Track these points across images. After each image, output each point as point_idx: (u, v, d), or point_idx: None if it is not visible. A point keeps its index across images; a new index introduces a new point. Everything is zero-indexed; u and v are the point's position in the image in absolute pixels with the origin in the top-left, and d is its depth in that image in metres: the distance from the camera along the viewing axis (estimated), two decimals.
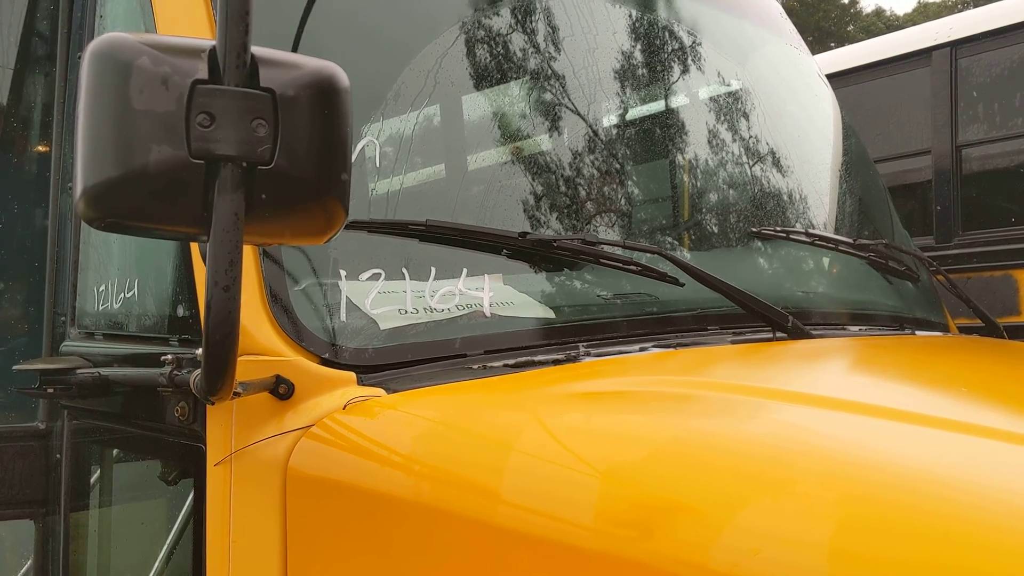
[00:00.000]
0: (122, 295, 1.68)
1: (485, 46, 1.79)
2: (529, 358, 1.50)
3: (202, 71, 0.93)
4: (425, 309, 1.50)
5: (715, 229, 2.01)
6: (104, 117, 0.93)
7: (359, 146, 1.57)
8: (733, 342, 1.69)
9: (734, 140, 2.15)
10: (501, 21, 1.83)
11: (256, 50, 0.93)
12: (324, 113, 0.97)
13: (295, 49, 1.51)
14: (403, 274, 1.51)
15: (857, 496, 0.94)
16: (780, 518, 0.94)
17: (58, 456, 1.78)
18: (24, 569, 2.02)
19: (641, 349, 1.59)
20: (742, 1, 2.46)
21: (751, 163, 2.11)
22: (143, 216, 0.95)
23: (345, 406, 1.34)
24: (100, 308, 1.74)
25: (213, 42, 0.93)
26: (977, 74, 5.27)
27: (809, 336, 1.74)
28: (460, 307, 1.52)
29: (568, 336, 1.59)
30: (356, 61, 1.63)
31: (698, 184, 2.00)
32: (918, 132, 5.52)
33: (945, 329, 2.37)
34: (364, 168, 1.58)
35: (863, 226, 2.37)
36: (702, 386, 1.38)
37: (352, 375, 1.39)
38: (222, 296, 0.93)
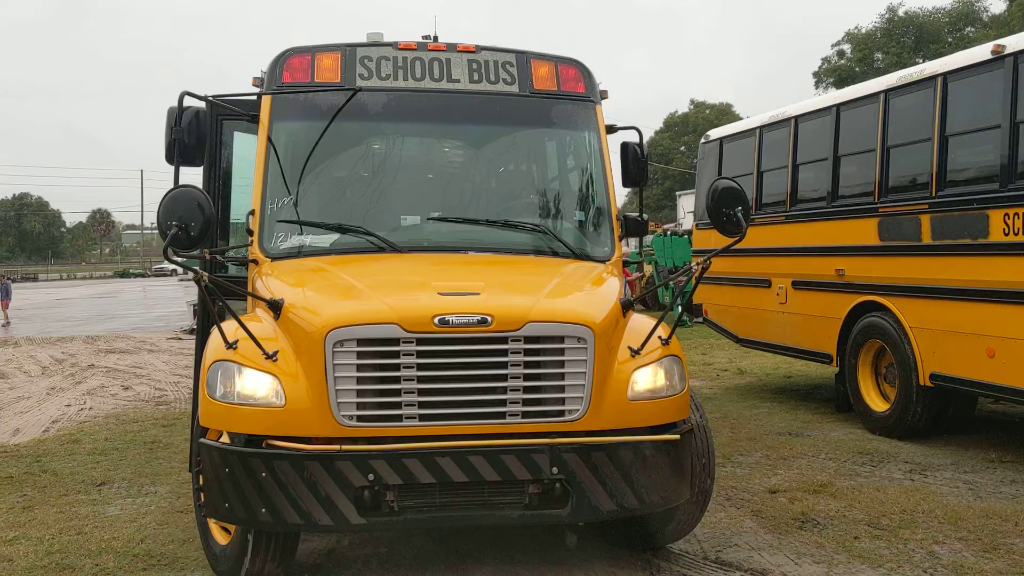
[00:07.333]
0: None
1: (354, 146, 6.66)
2: (315, 257, 6.01)
3: None
4: (297, 244, 6.13)
5: (404, 214, 6.43)
6: None
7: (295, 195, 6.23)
8: (373, 254, 6.07)
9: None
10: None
11: None
12: None
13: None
14: (291, 234, 6.18)
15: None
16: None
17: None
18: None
19: (340, 254, 6.07)
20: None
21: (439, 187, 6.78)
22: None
23: (258, 263, 6.01)
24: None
25: None
26: None
27: (402, 252, 6.08)
28: (305, 245, 6.14)
29: (331, 253, 6.07)
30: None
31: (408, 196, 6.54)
32: None
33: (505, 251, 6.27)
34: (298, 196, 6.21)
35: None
36: (324, 263, 5.98)
37: (269, 259, 6.00)
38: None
